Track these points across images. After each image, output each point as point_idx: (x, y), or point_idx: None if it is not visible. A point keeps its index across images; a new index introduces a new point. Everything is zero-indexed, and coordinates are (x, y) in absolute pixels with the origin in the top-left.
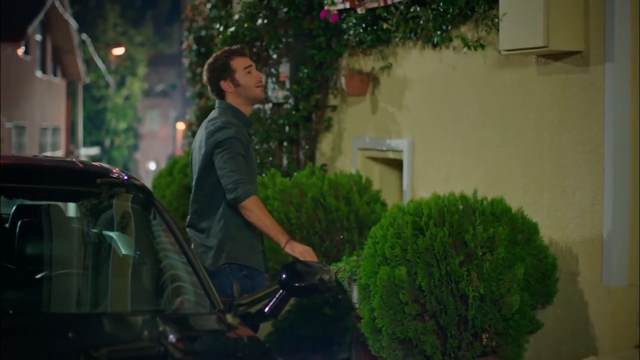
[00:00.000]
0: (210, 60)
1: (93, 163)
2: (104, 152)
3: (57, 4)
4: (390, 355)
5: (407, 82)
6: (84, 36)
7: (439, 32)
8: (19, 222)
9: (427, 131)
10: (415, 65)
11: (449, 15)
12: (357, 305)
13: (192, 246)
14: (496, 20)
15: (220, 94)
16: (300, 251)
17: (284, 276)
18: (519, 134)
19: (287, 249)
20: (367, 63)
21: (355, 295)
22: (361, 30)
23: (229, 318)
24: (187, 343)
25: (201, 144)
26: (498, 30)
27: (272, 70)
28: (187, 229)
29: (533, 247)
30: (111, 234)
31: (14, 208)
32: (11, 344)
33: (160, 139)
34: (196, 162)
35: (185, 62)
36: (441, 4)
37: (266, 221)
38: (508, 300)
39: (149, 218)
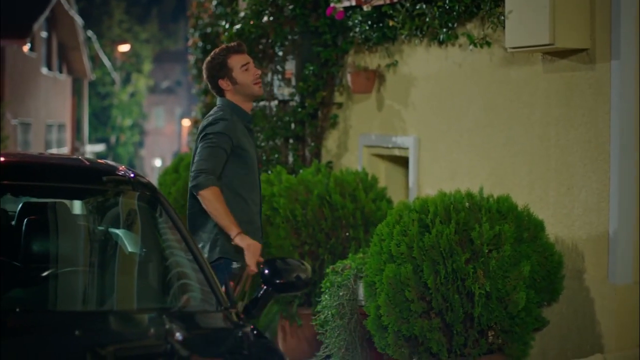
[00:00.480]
0: (208, 58)
1: (99, 161)
2: (110, 149)
3: (63, 0)
4: (396, 352)
5: (413, 80)
6: (90, 33)
7: (444, 30)
8: (25, 220)
9: (433, 128)
10: (421, 63)
11: (454, 13)
12: (363, 303)
13: None
14: (502, 17)
15: (220, 92)
16: (248, 244)
17: (266, 272)
18: (525, 131)
19: (237, 240)
20: (373, 60)
21: (361, 292)
22: (367, 28)
23: (235, 315)
24: (194, 341)
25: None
26: (504, 27)
27: (278, 67)
28: (187, 224)
29: (539, 244)
30: (117, 231)
31: (20, 206)
32: (18, 342)
33: (165, 136)
34: (192, 157)
35: (191, 59)
36: (447, 1)
37: (221, 211)
38: (514, 298)
39: (155, 215)
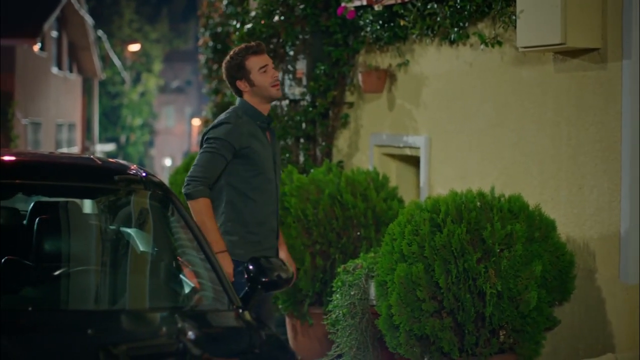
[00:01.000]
0: (227, 58)
1: (111, 160)
2: (120, 149)
3: (73, 0)
4: (408, 352)
5: (424, 79)
6: (100, 32)
7: (456, 29)
8: (37, 219)
9: (444, 128)
10: (432, 62)
11: (466, 12)
12: (374, 302)
13: None
14: (513, 17)
15: (238, 93)
16: (225, 266)
17: (251, 268)
18: (536, 131)
19: (218, 257)
20: (384, 60)
21: (372, 292)
22: (378, 27)
23: (247, 315)
24: (206, 340)
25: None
26: (515, 27)
27: (289, 67)
28: None
29: (550, 244)
30: (129, 230)
31: (31, 205)
32: (30, 342)
33: (175, 135)
34: None
35: (202, 58)
36: (458, 0)
37: (207, 225)
38: (525, 297)
39: (167, 215)
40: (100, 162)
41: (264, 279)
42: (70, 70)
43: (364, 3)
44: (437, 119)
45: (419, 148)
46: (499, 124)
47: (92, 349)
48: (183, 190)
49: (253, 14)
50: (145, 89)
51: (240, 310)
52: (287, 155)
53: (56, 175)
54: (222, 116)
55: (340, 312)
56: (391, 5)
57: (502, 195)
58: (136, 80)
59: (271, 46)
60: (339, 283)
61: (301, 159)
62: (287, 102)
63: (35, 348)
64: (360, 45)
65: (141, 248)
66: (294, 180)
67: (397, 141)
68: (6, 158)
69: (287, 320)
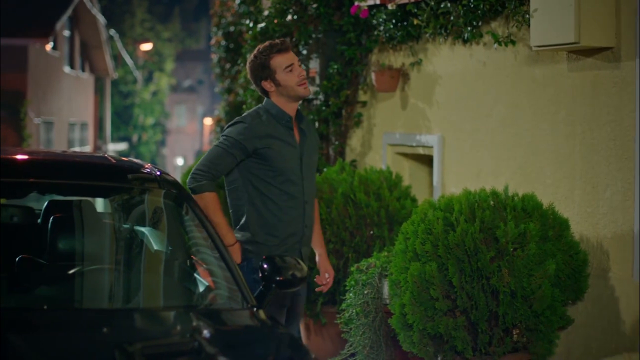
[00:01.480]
0: (251, 57)
1: (124, 159)
2: (132, 148)
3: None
4: (421, 350)
5: (438, 78)
6: (112, 32)
7: (469, 28)
8: (51, 218)
9: (457, 127)
10: (445, 61)
11: (479, 11)
12: (387, 301)
13: None
14: (527, 16)
15: (264, 93)
16: (235, 259)
17: (265, 267)
18: (550, 130)
19: (230, 250)
20: (397, 59)
21: (386, 290)
22: (391, 26)
23: (261, 313)
24: (220, 338)
25: None
26: (529, 26)
27: (302, 66)
28: None
29: (564, 243)
30: (143, 229)
31: (45, 204)
32: (45, 340)
33: (187, 135)
34: None
35: (214, 57)
36: (472, 0)
37: (213, 219)
38: (539, 296)
39: (182, 213)
40: (114, 161)
41: (278, 278)
42: (83, 70)
43: (378, 2)
44: (450, 118)
45: (432, 147)
46: (513, 123)
47: (106, 348)
48: (187, 185)
49: (266, 13)
50: (157, 88)
51: (255, 309)
52: None
53: (70, 174)
54: (244, 114)
55: (354, 311)
56: (404, 4)
57: (515, 194)
58: (148, 79)
59: None
60: (352, 282)
61: None
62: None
63: (50, 347)
64: (373, 45)
65: (155, 247)
66: None
67: (410, 140)
68: (20, 157)
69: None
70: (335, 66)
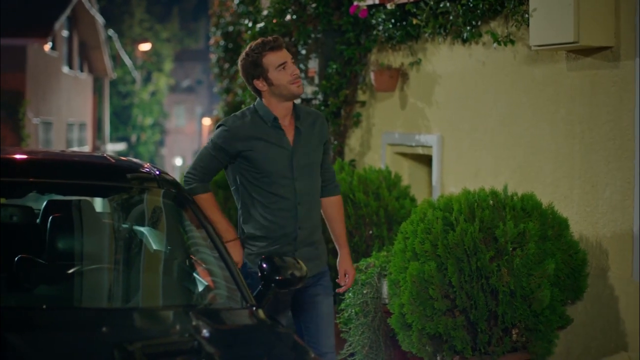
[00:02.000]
0: (242, 55)
1: (123, 158)
2: (131, 148)
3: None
4: (420, 350)
5: (437, 78)
6: (111, 32)
7: (468, 28)
8: (50, 218)
9: (456, 127)
10: (444, 61)
11: (478, 11)
12: (386, 301)
13: None
14: (526, 15)
15: (257, 92)
16: (234, 254)
17: (264, 266)
18: (549, 129)
19: (228, 247)
20: (396, 58)
21: (385, 290)
22: (390, 26)
23: (261, 313)
24: (219, 338)
25: None
26: (528, 25)
27: (301, 65)
28: None
29: (563, 242)
30: (142, 229)
31: (45, 203)
32: (44, 339)
33: (186, 135)
34: None
35: (213, 57)
36: None
37: (212, 218)
38: (538, 296)
39: (181, 213)
40: (113, 161)
41: (277, 277)
42: (81, 70)
43: (377, 2)
44: (449, 117)
45: (431, 147)
46: (512, 123)
47: (105, 347)
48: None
49: (265, 12)
50: (156, 89)
51: (254, 308)
52: None
53: (69, 173)
54: (229, 116)
55: (353, 310)
56: (404, 4)
57: (514, 194)
58: (147, 79)
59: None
60: None
61: None
62: (299, 100)
63: (49, 346)
64: (372, 44)
65: (154, 246)
66: None
67: (410, 140)
68: (19, 157)
69: None
70: (335, 66)
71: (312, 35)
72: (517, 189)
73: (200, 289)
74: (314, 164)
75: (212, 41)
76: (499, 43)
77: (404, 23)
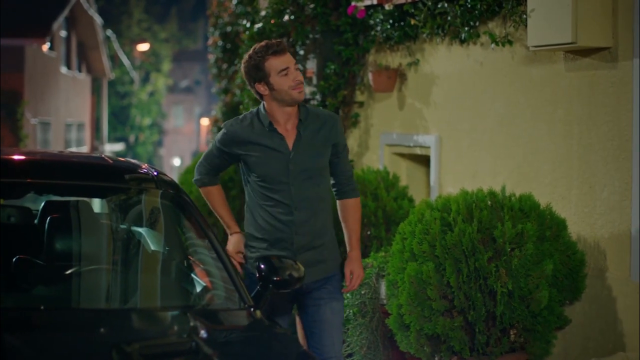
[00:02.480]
0: (245, 58)
1: (121, 159)
2: (129, 148)
3: (82, 0)
4: (418, 351)
5: (435, 78)
6: (109, 32)
7: (466, 28)
8: (48, 218)
9: (454, 127)
10: (442, 61)
11: (476, 11)
12: (384, 301)
13: None
14: (524, 16)
15: (259, 96)
16: (229, 244)
17: (262, 266)
18: (547, 130)
19: (229, 238)
20: (395, 59)
21: (383, 291)
22: (388, 26)
23: (258, 314)
24: (217, 339)
25: None
26: (526, 26)
27: (299, 66)
28: None
29: (561, 243)
30: (140, 229)
31: (43, 204)
32: (41, 340)
33: (184, 135)
34: None
35: (211, 58)
36: (469, 0)
37: (216, 211)
38: (536, 297)
39: (178, 214)
40: (111, 161)
41: (275, 278)
42: (80, 70)
43: (375, 2)
44: (447, 118)
45: (429, 147)
46: (510, 123)
47: (103, 348)
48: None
49: (263, 13)
50: (154, 89)
51: (252, 309)
52: None
53: (67, 174)
54: (232, 119)
55: (351, 311)
56: (401, 5)
57: (512, 195)
58: (145, 79)
59: None
60: None
61: None
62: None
63: (47, 347)
64: (370, 45)
65: (152, 247)
66: None
67: (408, 140)
68: (17, 157)
69: (298, 319)
70: (333, 66)
71: (310, 36)
72: (515, 189)
73: (198, 289)
74: (315, 169)
75: (210, 42)
76: (497, 43)
77: (402, 23)
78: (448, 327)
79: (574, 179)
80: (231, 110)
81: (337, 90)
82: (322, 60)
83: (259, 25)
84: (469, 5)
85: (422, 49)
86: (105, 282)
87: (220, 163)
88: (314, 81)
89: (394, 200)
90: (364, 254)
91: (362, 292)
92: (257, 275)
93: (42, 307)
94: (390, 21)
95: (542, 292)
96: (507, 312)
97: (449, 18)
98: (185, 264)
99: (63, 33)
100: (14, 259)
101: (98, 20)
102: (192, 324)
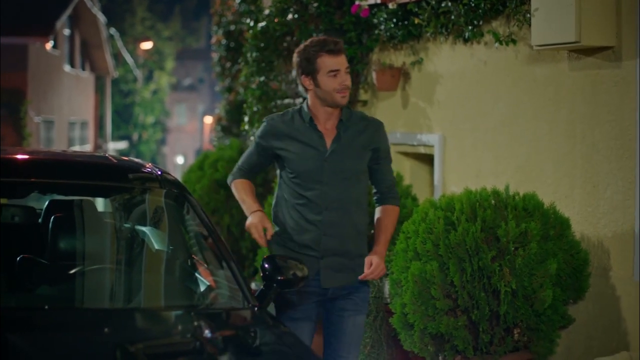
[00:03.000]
0: (300, 47)
1: (125, 158)
2: (132, 146)
3: None
4: (422, 350)
5: (438, 77)
6: (112, 30)
7: (470, 27)
8: (52, 218)
9: (458, 126)
10: (446, 60)
11: (480, 11)
12: (388, 300)
13: None
14: (528, 15)
15: (304, 88)
16: (248, 224)
17: (266, 265)
18: (551, 129)
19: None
20: (398, 58)
21: (387, 290)
22: (392, 25)
23: (263, 313)
24: (221, 338)
25: None
26: (530, 25)
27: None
28: None
29: (565, 242)
30: (144, 229)
31: (46, 203)
32: (45, 340)
33: (188, 133)
34: None
35: (215, 56)
36: None
37: (240, 201)
38: (540, 296)
39: (183, 213)
40: (115, 161)
41: (279, 277)
42: (83, 68)
43: (378, 1)
44: (451, 117)
45: (433, 146)
46: (514, 122)
47: (107, 348)
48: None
49: (267, 11)
50: (157, 87)
51: (256, 309)
52: None
53: (71, 173)
54: (275, 113)
55: None
56: (405, 4)
57: (516, 194)
58: (148, 78)
59: (285, 44)
60: None
61: None
62: (301, 99)
63: (51, 346)
64: (374, 44)
65: (156, 246)
66: None
67: (411, 139)
68: (21, 157)
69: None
70: None
71: (314, 35)
72: (518, 188)
73: (202, 289)
74: (351, 172)
75: (213, 40)
76: (500, 43)
77: (406, 22)
78: (452, 326)
79: (578, 178)
80: (235, 109)
81: None
82: None
83: (263, 23)
84: (473, 5)
85: (425, 48)
86: (109, 281)
87: (257, 161)
88: None
89: None
90: None
91: None
92: (262, 274)
93: (46, 307)
94: (394, 20)
95: (545, 291)
96: (510, 311)
97: (452, 17)
98: (189, 264)
99: (66, 31)
100: (17, 259)
101: (101, 18)
102: (195, 323)
